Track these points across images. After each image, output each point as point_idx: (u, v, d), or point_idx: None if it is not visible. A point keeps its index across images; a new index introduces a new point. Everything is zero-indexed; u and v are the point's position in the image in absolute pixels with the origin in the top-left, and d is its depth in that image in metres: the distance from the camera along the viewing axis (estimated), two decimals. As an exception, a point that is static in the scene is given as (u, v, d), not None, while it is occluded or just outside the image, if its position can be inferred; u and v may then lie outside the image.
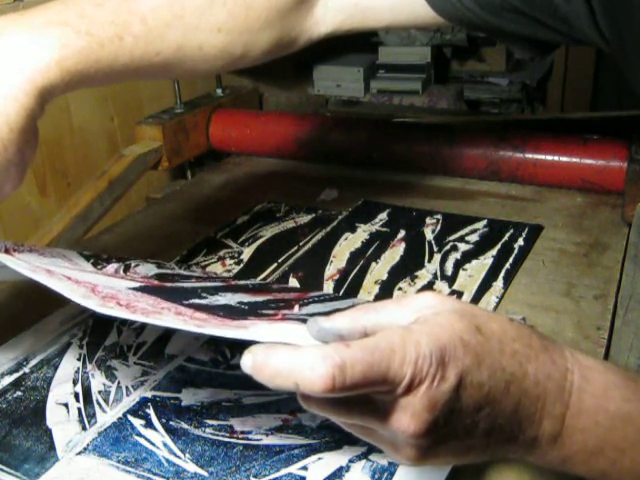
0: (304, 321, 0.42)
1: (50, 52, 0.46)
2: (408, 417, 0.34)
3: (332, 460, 0.47)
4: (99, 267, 0.54)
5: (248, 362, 0.34)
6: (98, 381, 0.57)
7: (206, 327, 0.39)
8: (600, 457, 0.38)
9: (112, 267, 0.54)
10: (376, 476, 0.46)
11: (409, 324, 0.36)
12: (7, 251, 0.48)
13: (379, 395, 0.34)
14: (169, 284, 0.53)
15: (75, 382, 0.57)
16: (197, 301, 0.49)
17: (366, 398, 0.34)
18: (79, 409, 0.53)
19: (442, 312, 0.36)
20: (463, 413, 0.35)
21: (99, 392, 0.55)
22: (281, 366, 0.33)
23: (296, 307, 0.55)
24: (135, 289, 0.48)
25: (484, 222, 0.82)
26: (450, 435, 0.36)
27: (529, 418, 0.37)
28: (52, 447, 0.50)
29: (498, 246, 0.76)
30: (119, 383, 0.56)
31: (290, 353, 0.33)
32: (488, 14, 0.58)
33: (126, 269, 0.57)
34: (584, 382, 0.38)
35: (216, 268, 0.75)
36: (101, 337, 0.62)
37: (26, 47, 0.45)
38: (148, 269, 0.59)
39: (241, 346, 0.35)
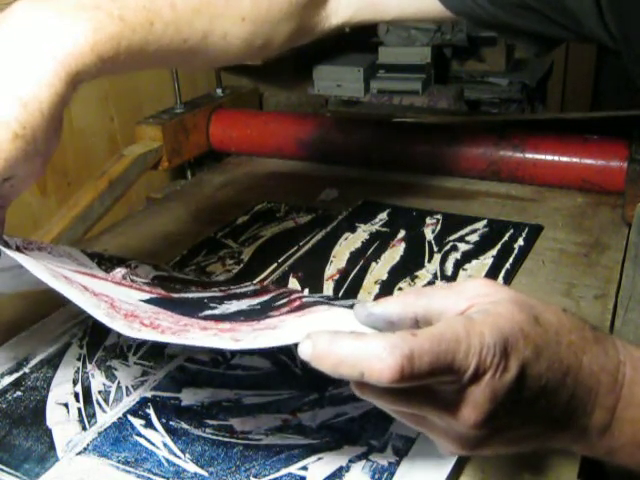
0: (322, 303, 0.41)
1: (84, 37, 0.43)
2: (470, 408, 0.34)
3: (332, 460, 0.47)
4: (103, 267, 0.54)
5: (307, 349, 0.32)
6: (98, 381, 0.57)
7: (243, 340, 0.37)
8: None
9: (119, 272, 0.53)
10: (376, 476, 0.46)
11: (470, 313, 0.36)
12: (18, 249, 0.47)
13: (441, 385, 0.34)
14: (175, 295, 0.53)
15: (75, 382, 0.57)
16: (211, 312, 0.48)
17: (426, 388, 0.34)
18: (79, 409, 0.53)
19: (501, 302, 0.36)
20: (521, 404, 0.35)
21: (99, 392, 0.55)
22: (346, 355, 0.32)
23: (306, 291, 0.53)
24: (146, 301, 0.48)
25: (484, 222, 0.82)
26: (506, 426, 0.36)
27: (582, 409, 0.37)
28: (52, 447, 0.50)
29: (498, 246, 0.76)
30: (119, 383, 0.56)
31: (355, 342, 0.32)
32: (497, 9, 0.59)
33: (127, 268, 0.57)
34: (636, 374, 0.38)
35: (216, 268, 0.75)
36: (101, 337, 0.62)
37: (57, 31, 0.43)
38: (147, 271, 0.59)
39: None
